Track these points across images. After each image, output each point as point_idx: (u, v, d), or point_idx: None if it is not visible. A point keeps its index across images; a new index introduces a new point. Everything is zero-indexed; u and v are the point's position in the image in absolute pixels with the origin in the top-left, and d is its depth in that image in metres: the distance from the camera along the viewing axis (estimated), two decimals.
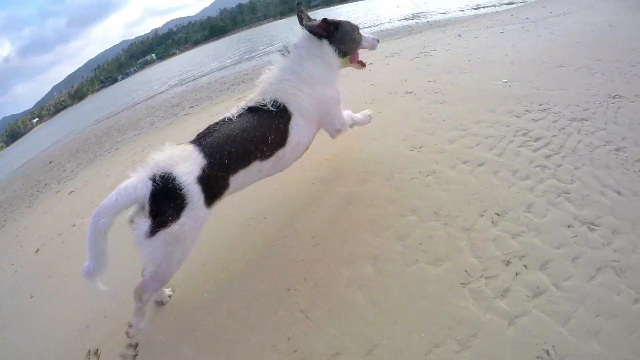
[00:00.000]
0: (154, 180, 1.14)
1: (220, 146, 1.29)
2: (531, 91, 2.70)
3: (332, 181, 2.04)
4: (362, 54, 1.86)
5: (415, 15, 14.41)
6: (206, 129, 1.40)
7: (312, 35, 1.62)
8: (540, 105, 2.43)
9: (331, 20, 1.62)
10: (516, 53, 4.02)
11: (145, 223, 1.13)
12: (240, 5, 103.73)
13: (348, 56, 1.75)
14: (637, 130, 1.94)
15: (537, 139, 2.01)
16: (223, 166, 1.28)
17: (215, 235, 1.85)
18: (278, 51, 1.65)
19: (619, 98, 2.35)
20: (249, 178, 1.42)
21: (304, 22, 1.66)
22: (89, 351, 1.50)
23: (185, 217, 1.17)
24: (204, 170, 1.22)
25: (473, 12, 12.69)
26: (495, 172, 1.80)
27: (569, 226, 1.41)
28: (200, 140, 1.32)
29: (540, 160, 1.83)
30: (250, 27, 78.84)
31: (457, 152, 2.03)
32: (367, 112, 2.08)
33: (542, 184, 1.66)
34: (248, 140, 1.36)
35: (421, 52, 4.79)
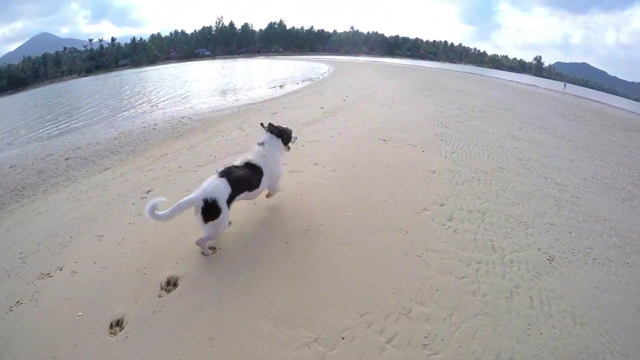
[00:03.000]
0: (205, 201, 2.46)
1: (236, 181, 2.69)
2: None
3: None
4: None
5: (171, 122, 8.84)
6: (228, 167, 2.80)
7: (272, 135, 3.11)
8: None
9: (281, 128, 3.14)
10: None
11: (199, 217, 2.48)
12: (45, 56, 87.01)
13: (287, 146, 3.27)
14: None
15: None
16: (236, 191, 2.69)
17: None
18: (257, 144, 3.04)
19: None
20: (242, 197, 2.84)
21: (268, 128, 3.12)
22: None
23: (221, 216, 2.53)
24: (229, 195, 2.60)
25: (246, 98, 11.52)
26: None
27: None
28: (227, 175, 2.66)
29: None
30: (52, 82, 66.01)
31: None
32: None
33: None
34: (247, 181, 2.82)
35: None
